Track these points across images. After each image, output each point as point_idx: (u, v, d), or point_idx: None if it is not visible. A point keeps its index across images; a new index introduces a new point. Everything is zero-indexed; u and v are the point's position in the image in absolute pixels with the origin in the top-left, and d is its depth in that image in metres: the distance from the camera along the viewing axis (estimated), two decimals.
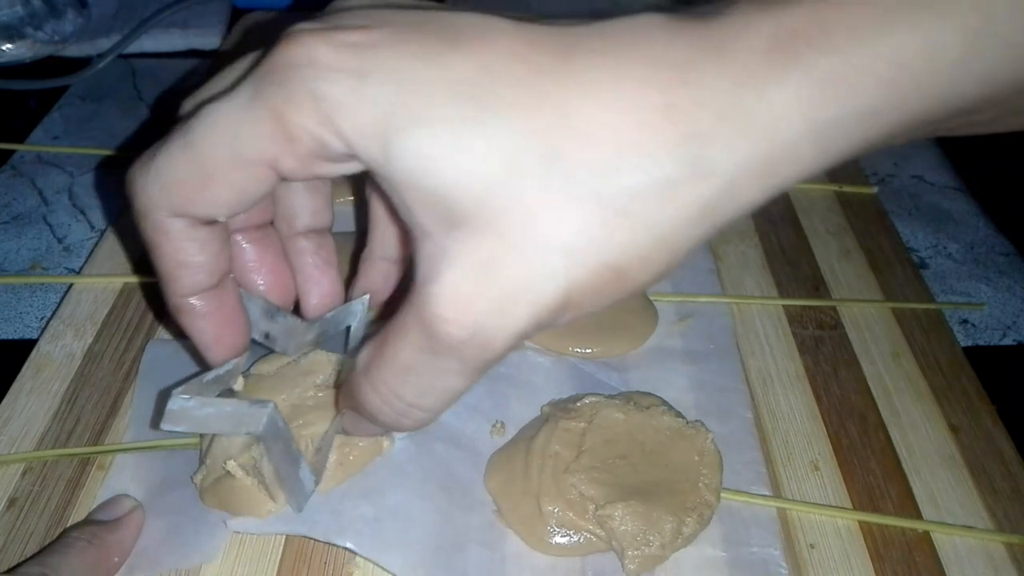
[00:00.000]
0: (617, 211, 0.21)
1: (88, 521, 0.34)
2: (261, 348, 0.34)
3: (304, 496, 0.33)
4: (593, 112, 0.20)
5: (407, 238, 0.25)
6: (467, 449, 0.37)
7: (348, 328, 0.35)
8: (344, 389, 0.29)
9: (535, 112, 0.21)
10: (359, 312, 0.35)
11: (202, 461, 0.35)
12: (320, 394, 0.36)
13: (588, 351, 0.42)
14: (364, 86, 0.22)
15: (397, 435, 0.36)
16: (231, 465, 0.33)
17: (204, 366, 0.31)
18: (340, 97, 0.22)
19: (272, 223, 0.32)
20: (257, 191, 0.25)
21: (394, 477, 0.35)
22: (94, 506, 0.35)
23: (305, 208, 0.32)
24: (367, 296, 0.34)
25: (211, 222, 0.27)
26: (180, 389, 0.29)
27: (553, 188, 0.21)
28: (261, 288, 0.32)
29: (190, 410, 0.29)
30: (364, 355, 0.26)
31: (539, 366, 0.41)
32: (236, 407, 0.30)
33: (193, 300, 0.29)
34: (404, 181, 0.22)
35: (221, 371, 0.31)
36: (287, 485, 0.32)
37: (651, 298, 0.45)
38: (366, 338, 0.27)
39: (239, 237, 0.31)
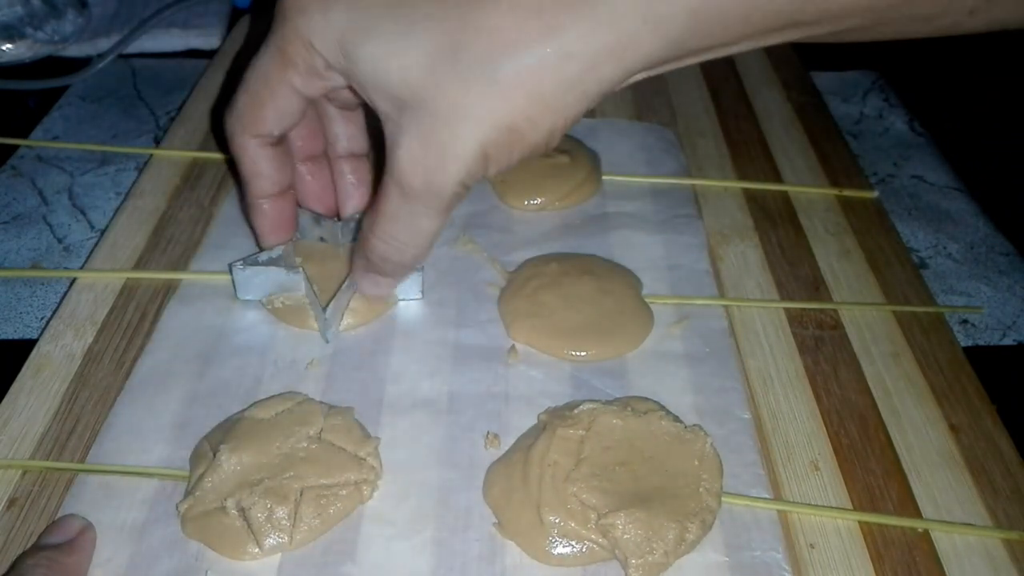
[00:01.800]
0: (508, 86, 0.29)
1: (40, 546, 0.33)
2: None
3: (326, 330, 0.42)
4: (485, 17, 0.28)
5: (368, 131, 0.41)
6: (462, 468, 0.37)
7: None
8: (355, 252, 0.40)
9: (446, 22, 0.29)
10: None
11: (190, 492, 0.35)
12: (312, 446, 0.36)
13: (584, 354, 0.42)
14: (328, 15, 0.31)
15: (378, 484, 0.36)
16: (230, 503, 0.33)
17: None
18: (313, 26, 0.32)
19: (325, 153, 0.43)
20: (291, 107, 0.36)
21: (378, 525, 0.35)
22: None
23: (343, 134, 0.42)
24: None
25: (274, 143, 0.38)
26: (237, 263, 0.43)
27: (463, 75, 0.29)
28: (314, 202, 0.44)
29: (249, 277, 0.44)
30: (367, 218, 0.36)
31: (533, 374, 0.41)
32: (276, 274, 0.43)
33: (262, 202, 0.41)
34: (364, 81, 0.31)
35: (272, 254, 0.43)
36: (319, 321, 0.43)
37: (647, 300, 0.45)
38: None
39: (300, 167, 0.42)
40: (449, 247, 0.49)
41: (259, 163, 0.38)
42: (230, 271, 0.44)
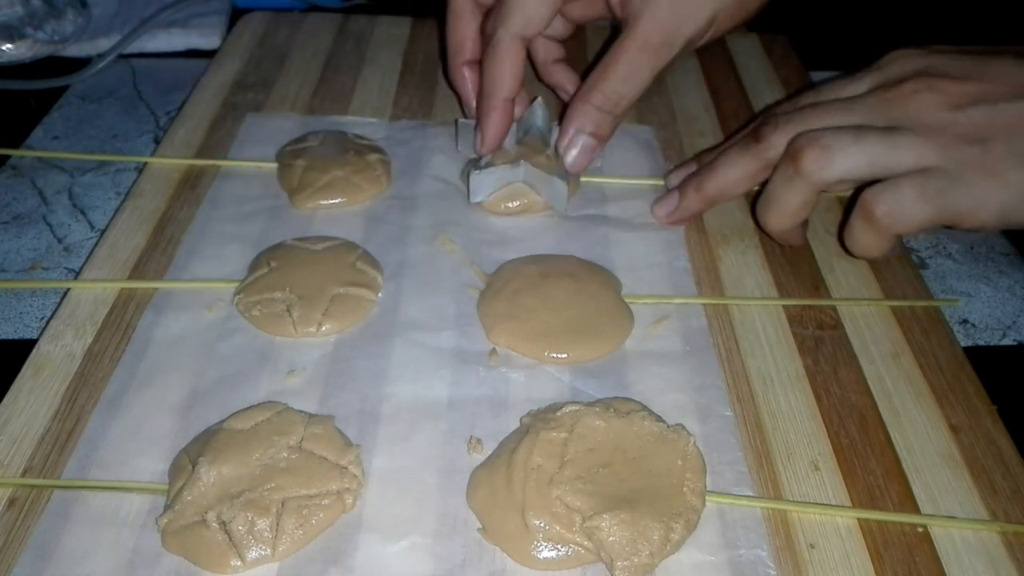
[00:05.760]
0: None
1: None
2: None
3: (562, 200, 0.50)
4: None
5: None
6: (445, 473, 0.37)
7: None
8: (571, 125, 0.49)
9: None
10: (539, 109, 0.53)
11: (169, 505, 0.34)
12: (293, 456, 0.36)
13: (564, 356, 0.42)
14: None
15: (364, 487, 0.36)
16: (210, 516, 0.33)
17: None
18: None
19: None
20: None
21: (362, 533, 0.34)
22: None
23: (553, 48, 0.57)
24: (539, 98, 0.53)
25: (487, 12, 0.49)
26: (472, 169, 0.50)
27: None
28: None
29: (482, 179, 0.50)
30: (590, 78, 0.48)
31: (515, 377, 0.41)
32: (499, 171, 0.50)
33: (464, 69, 0.52)
34: None
35: (483, 160, 0.51)
36: (550, 195, 0.50)
37: (627, 300, 0.45)
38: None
39: (553, 66, 0.57)
40: (427, 246, 0.49)
41: (466, 28, 0.50)
42: (467, 178, 0.51)
